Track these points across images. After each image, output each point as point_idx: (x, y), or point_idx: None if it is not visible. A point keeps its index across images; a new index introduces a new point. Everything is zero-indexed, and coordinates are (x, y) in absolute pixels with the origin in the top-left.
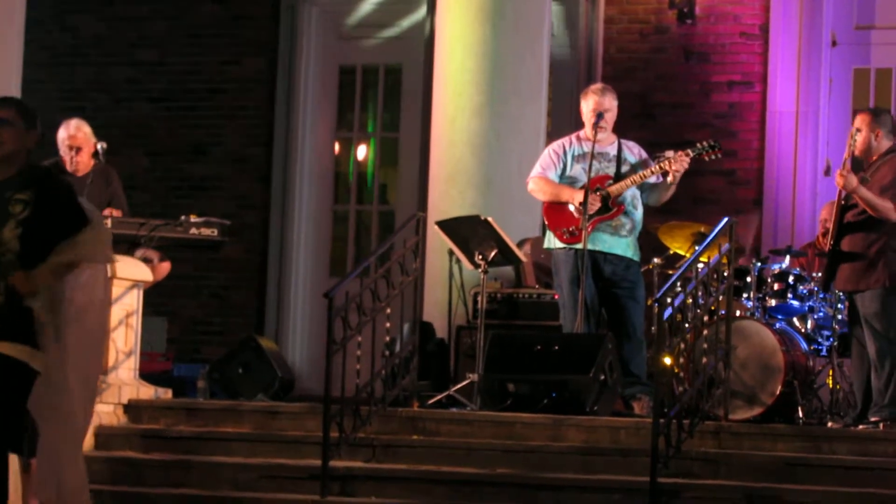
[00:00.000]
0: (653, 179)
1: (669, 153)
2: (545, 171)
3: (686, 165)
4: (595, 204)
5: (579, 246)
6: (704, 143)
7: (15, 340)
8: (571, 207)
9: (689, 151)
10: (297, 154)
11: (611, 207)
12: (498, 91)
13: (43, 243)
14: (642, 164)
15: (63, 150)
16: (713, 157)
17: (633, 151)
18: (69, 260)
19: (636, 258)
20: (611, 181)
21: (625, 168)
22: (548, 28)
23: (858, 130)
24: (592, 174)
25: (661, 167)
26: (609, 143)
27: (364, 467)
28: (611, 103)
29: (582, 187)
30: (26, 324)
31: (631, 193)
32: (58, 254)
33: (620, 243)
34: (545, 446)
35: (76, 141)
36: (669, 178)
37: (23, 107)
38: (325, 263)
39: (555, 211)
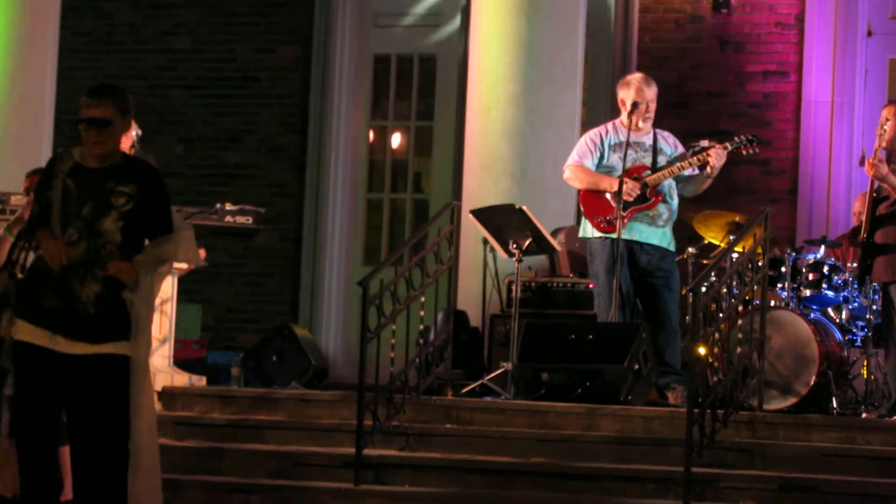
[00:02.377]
0: (689, 171)
1: (704, 142)
2: (582, 158)
3: (724, 159)
4: (635, 192)
5: (615, 235)
6: (743, 137)
7: (119, 338)
8: (609, 196)
9: (728, 145)
10: (332, 142)
11: (649, 197)
12: (533, 80)
13: (140, 238)
14: (678, 156)
15: None
16: (751, 151)
17: (668, 142)
18: (169, 255)
19: (672, 248)
20: (648, 171)
21: (661, 158)
22: (583, 17)
23: (887, 120)
24: (629, 164)
25: (698, 160)
26: (645, 133)
27: (398, 456)
28: (651, 94)
29: (619, 177)
30: (122, 316)
31: (668, 183)
32: (156, 247)
33: (657, 233)
34: (579, 435)
35: None
36: (707, 171)
37: (118, 97)
38: (359, 252)
39: (592, 199)
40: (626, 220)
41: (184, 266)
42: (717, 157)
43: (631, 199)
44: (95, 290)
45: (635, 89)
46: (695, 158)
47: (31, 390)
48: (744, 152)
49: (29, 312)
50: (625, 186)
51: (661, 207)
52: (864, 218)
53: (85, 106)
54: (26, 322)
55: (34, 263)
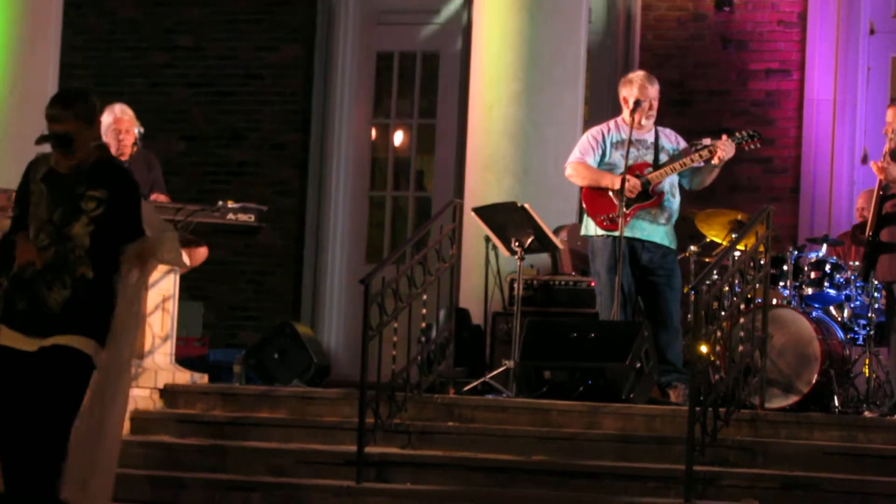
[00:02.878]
0: (692, 166)
1: (706, 141)
2: (584, 156)
3: (733, 151)
4: (636, 190)
5: (618, 233)
6: (744, 133)
7: (83, 334)
8: (611, 194)
9: (731, 140)
10: (334, 140)
11: (651, 195)
12: (535, 79)
13: (111, 242)
14: (680, 152)
15: (109, 135)
16: (752, 146)
17: (670, 139)
18: (152, 252)
19: (673, 246)
20: (650, 168)
21: (663, 156)
22: (585, 15)
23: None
24: (631, 161)
25: (701, 156)
26: (647, 131)
27: (400, 453)
28: (654, 92)
29: (621, 174)
30: (92, 318)
31: (669, 181)
32: (140, 244)
33: (658, 231)
34: (581, 434)
35: (122, 124)
36: (714, 161)
37: (80, 105)
38: (361, 249)
39: (594, 197)
40: (628, 218)
41: (186, 264)
42: (724, 148)
43: (633, 197)
44: (65, 295)
45: (638, 87)
46: (696, 155)
47: (8, 392)
48: (745, 148)
49: (7, 317)
50: (626, 184)
51: (663, 205)
52: (867, 215)
53: (47, 119)
54: (6, 326)
55: (17, 268)
